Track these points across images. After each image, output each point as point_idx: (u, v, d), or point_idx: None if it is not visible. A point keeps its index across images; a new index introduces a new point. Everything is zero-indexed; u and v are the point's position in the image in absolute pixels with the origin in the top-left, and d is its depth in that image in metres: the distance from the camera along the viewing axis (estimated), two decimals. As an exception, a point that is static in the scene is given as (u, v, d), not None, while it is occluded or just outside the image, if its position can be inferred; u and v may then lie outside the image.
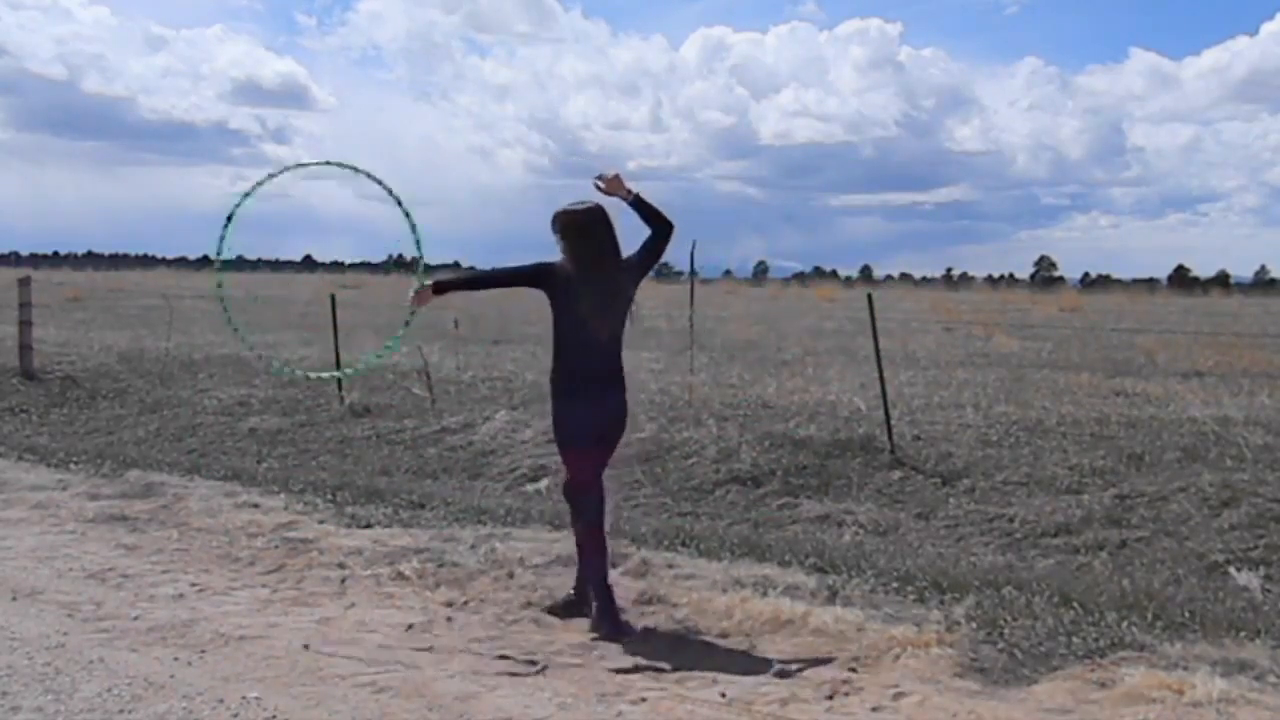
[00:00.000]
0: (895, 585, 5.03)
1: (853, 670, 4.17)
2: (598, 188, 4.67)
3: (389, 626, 4.69)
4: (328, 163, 5.20)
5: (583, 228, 4.64)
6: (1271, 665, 4.05)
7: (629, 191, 4.66)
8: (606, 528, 4.78)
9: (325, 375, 5.82)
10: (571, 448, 4.73)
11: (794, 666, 4.19)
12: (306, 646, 4.39)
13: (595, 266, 4.61)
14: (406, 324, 4.98)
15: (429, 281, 4.78)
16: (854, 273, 78.81)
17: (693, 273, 11.33)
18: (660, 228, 4.69)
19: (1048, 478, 6.94)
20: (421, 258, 4.97)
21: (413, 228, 4.96)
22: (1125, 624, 4.48)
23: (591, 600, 4.72)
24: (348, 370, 5.79)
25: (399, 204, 4.94)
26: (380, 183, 4.98)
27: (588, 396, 4.65)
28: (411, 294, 4.76)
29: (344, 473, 7.93)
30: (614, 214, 4.69)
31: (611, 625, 4.59)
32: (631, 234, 4.73)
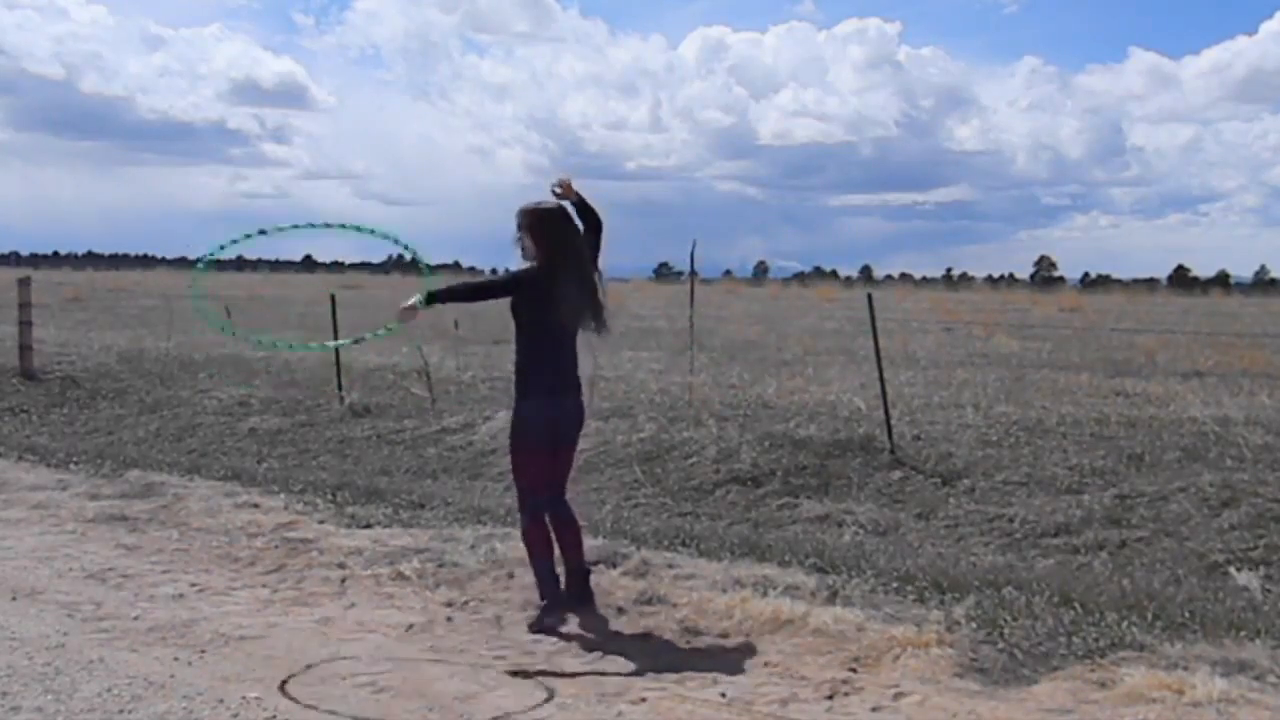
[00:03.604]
0: (895, 585, 5.02)
1: (853, 670, 4.17)
2: (555, 193, 4.77)
3: (389, 626, 4.69)
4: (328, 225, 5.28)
5: (567, 222, 4.75)
6: (1271, 665, 4.05)
7: (577, 194, 4.81)
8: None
9: (311, 346, 6.03)
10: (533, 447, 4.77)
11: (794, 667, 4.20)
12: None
13: (573, 263, 4.68)
14: (388, 329, 5.05)
15: (420, 296, 4.68)
16: (854, 273, 78.73)
17: (693, 273, 11.33)
18: (598, 225, 4.83)
19: (1048, 478, 6.93)
20: (425, 264, 5.04)
21: (405, 247, 5.08)
22: (1125, 624, 4.48)
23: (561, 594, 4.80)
24: (327, 343, 5.94)
25: (401, 244, 5.07)
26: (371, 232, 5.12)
27: (555, 396, 4.74)
28: (403, 307, 4.67)
29: (344, 473, 7.93)
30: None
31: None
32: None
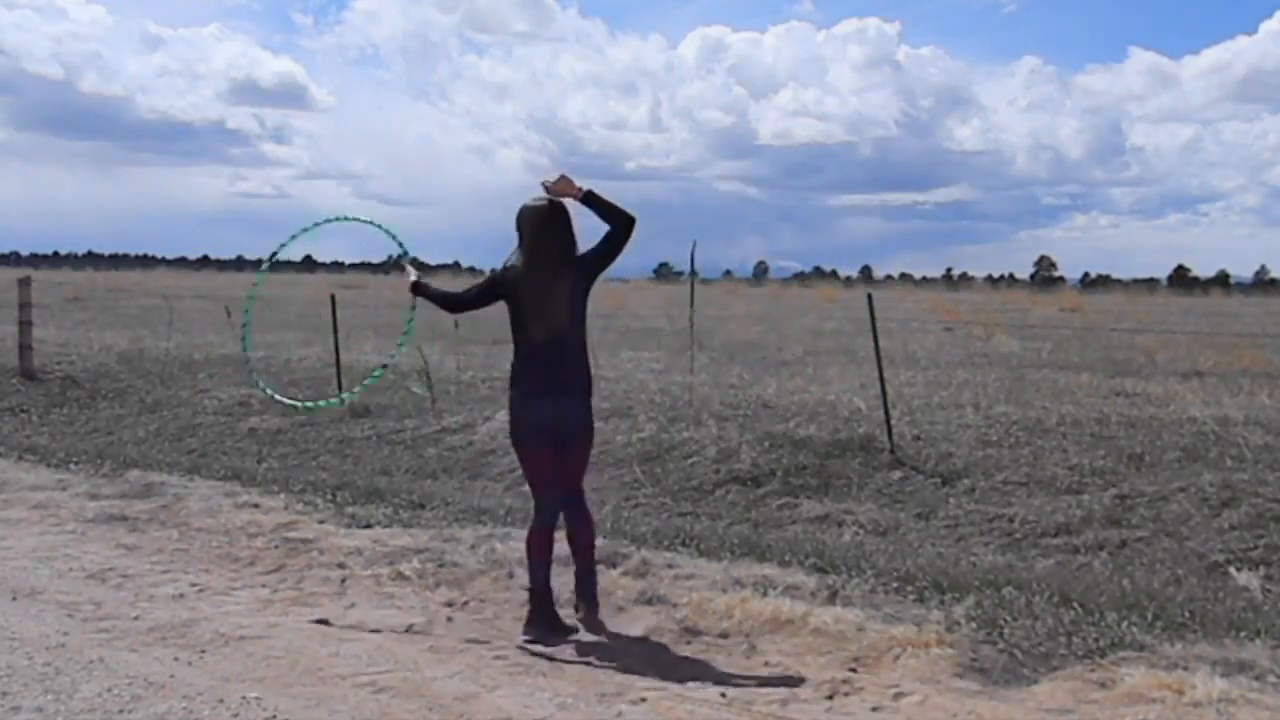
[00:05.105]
0: (895, 585, 5.02)
1: (853, 670, 4.17)
2: (546, 189, 4.58)
3: (389, 626, 4.69)
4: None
5: (535, 224, 4.58)
6: (1271, 665, 4.05)
7: (579, 189, 4.56)
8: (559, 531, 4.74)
9: (311, 405, 6.27)
10: (523, 448, 4.66)
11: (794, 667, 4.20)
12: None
13: (533, 265, 4.55)
14: (408, 328, 5.12)
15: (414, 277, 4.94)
16: (854, 273, 78.64)
17: (693, 273, 11.34)
18: (618, 224, 4.56)
19: (1048, 478, 6.93)
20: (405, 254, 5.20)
21: (395, 240, 5.19)
22: (1125, 624, 4.48)
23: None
24: (343, 396, 6.28)
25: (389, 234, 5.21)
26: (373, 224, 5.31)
27: (540, 398, 4.55)
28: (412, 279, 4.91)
29: (344, 473, 7.94)
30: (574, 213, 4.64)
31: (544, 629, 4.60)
32: (591, 233, 4.63)
